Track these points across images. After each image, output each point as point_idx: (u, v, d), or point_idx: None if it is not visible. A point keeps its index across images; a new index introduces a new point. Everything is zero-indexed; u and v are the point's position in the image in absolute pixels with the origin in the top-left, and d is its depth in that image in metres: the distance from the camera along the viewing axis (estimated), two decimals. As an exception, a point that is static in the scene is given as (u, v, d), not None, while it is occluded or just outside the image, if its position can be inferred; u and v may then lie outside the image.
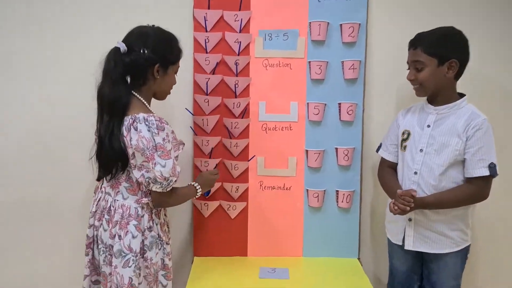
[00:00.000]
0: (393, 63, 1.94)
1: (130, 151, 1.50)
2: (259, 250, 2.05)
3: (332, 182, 2.01)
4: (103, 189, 1.62)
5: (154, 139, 1.47)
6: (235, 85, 1.96)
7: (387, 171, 1.84)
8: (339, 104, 1.96)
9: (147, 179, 1.49)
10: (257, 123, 1.99)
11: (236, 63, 1.96)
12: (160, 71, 1.56)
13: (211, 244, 2.05)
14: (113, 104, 1.49)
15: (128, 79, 1.56)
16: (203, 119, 1.97)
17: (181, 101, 1.99)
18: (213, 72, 1.97)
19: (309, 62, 1.96)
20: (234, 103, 1.96)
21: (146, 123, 1.48)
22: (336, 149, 1.98)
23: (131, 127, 1.49)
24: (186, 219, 2.08)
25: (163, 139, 1.49)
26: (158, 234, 1.59)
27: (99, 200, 1.62)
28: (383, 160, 1.86)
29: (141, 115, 1.49)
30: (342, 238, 2.03)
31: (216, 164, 1.97)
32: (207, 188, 1.83)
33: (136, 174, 1.51)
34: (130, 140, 1.48)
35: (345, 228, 2.03)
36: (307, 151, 1.99)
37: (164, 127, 1.50)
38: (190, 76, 1.98)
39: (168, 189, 1.53)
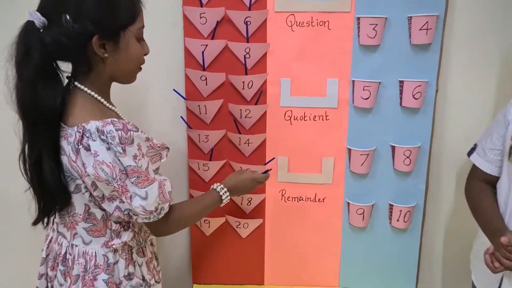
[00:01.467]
0: (488, 17, 1.25)
1: (88, 180, 0.95)
2: (280, 278, 1.52)
3: (385, 193, 1.42)
4: (54, 225, 1.08)
5: (120, 162, 0.92)
6: (245, 55, 1.32)
7: (482, 189, 1.20)
8: (401, 83, 1.31)
9: (126, 212, 0.97)
10: (278, 111, 1.37)
11: (247, 21, 1.30)
12: (108, 45, 0.96)
13: (215, 269, 1.52)
14: (38, 112, 0.91)
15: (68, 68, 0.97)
16: (199, 106, 1.36)
17: (165, 79, 1.38)
18: (213, 35, 1.32)
19: (358, 18, 1.29)
20: (244, 81, 1.33)
21: (103, 137, 0.91)
22: (393, 147, 1.36)
23: (80, 146, 0.92)
24: (181, 238, 1.54)
25: (134, 157, 0.93)
26: (143, 277, 1.09)
27: (50, 241, 1.10)
28: (475, 170, 1.21)
29: (92, 125, 0.92)
30: (394, 268, 1.47)
31: (266, 171, 1.38)
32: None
33: (108, 207, 0.98)
34: (84, 167, 0.93)
35: (399, 255, 1.46)
36: (349, 150, 1.37)
37: (132, 138, 0.93)
38: (179, 41, 1.34)
39: (161, 216, 1.01)
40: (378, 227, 1.44)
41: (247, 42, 1.31)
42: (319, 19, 1.30)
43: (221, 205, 1.21)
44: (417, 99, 1.30)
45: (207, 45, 1.32)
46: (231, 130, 1.39)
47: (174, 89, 1.34)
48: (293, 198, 1.45)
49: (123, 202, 0.95)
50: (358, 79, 1.31)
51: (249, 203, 1.44)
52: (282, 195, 1.45)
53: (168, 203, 1.01)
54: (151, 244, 1.16)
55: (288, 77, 1.35)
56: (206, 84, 1.35)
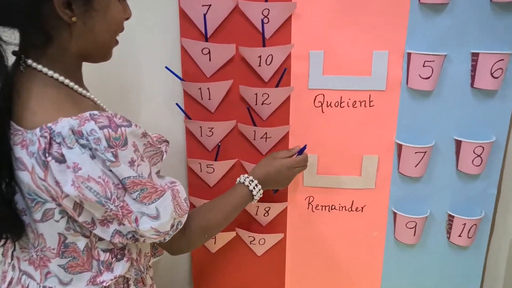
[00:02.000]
0: None
1: (67, 203, 0.66)
2: (304, 303, 1.21)
3: (443, 201, 1.09)
4: (14, 260, 0.79)
5: (113, 174, 0.65)
6: (262, 19, 0.97)
7: None
8: (475, 56, 0.96)
9: (130, 235, 0.71)
10: (305, 94, 1.03)
11: (265, -28, 0.95)
12: (76, 5, 0.65)
13: (224, 294, 1.22)
14: None
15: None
16: (201, 89, 1.02)
17: (154, 53, 1.04)
18: (218, -8, 0.97)
19: (419, -33, 0.94)
20: (261, 56, 0.99)
21: (82, 141, 0.63)
22: (459, 142, 1.02)
23: (49, 157, 0.63)
24: (180, 256, 1.22)
25: (132, 163, 0.66)
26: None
27: (10, 283, 0.78)
28: None
29: (63, 125, 0.63)
30: (451, 293, 1.16)
31: (302, 150, 1.05)
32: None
33: (102, 234, 0.70)
34: (59, 186, 0.64)
35: (457, 279, 1.14)
36: (400, 146, 1.04)
37: (124, 137, 0.65)
38: (173, 2, 0.99)
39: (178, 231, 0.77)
40: (432, 243, 1.12)
41: (266, 1, 0.96)
42: (364, -33, 0.94)
43: (253, 202, 0.94)
44: (496, 78, 0.96)
45: (210, 5, 0.96)
46: (243, 120, 1.05)
47: (166, 67, 1.00)
48: (323, 207, 1.12)
49: (124, 225, 0.68)
50: (416, 52, 0.96)
51: (266, 214, 1.12)
52: (309, 203, 1.12)
53: (186, 214, 0.76)
54: (148, 265, 0.86)
55: (320, 49, 1.00)
56: (210, 60, 1.00)
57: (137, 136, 0.67)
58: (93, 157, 0.62)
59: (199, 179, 1.10)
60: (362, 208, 1.11)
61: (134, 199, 0.66)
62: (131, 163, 0.65)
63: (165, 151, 0.79)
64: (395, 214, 1.09)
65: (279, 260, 1.17)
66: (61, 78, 0.68)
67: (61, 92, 0.68)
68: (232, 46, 0.99)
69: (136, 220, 0.67)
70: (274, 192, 1.09)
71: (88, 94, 0.73)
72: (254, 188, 0.92)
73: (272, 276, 1.19)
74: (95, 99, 0.75)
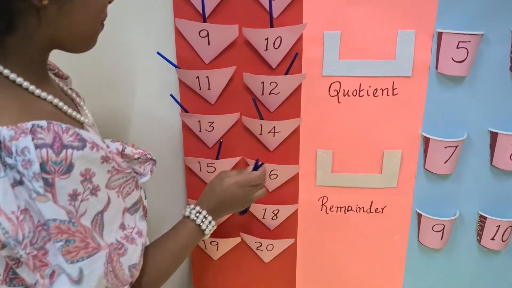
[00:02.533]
0: None
1: None
2: (317, 314, 1.09)
3: (474, 201, 0.96)
4: None
5: (39, 211, 0.49)
6: (269, -5, 0.84)
7: None
8: (517, 35, 0.84)
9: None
10: (319, 82, 0.90)
11: None
12: None
13: (228, 304, 1.10)
14: None
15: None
16: (199, 77, 0.88)
17: (147, 37, 0.90)
18: (217, -37, 0.83)
19: None
20: (268, 38, 0.85)
21: (10, 160, 0.48)
22: (495, 135, 0.90)
23: None
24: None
25: (72, 197, 0.52)
26: None
27: None
28: None
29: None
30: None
31: (257, 166, 0.87)
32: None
33: (27, 276, 0.55)
34: None
35: (487, 286, 1.03)
36: (427, 139, 0.91)
37: (69, 162, 0.51)
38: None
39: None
40: (460, 247, 1.00)
41: (273, -28, 0.82)
42: None
43: (205, 238, 0.79)
44: (540, 60, 0.83)
45: (208, -21, 0.83)
46: (248, 113, 0.91)
47: (158, 53, 0.86)
48: (339, 209, 1.00)
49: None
50: (448, 31, 0.83)
51: (274, 217, 1.00)
52: (323, 205, 1.00)
53: (128, 286, 0.60)
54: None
55: (337, 30, 0.86)
56: (209, 44, 0.87)
57: (94, 162, 0.53)
58: (18, 183, 0.48)
59: (198, 180, 0.98)
60: (383, 209, 0.99)
61: (58, 249, 0.51)
62: (72, 197, 0.51)
63: (150, 172, 0.67)
64: (419, 215, 0.97)
65: (289, 267, 1.05)
66: (13, 76, 0.54)
67: (9, 93, 0.54)
68: (234, 27, 0.85)
69: (51, 276, 0.51)
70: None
71: (49, 97, 0.58)
72: (202, 221, 0.77)
73: (281, 285, 1.07)
74: (60, 103, 0.59)
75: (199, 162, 0.95)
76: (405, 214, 0.99)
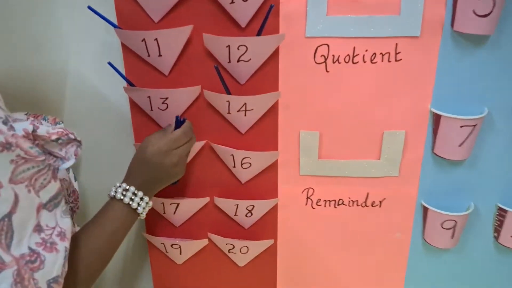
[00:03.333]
0: None
1: None
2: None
3: (492, 191, 0.79)
4: None
5: None
6: None
7: None
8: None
9: None
10: (302, 45, 0.70)
11: None
12: None
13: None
14: None
15: None
16: (145, 40, 0.68)
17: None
18: None
19: None
20: (232, -14, 0.65)
21: None
22: (521, 111, 0.72)
23: None
24: (139, 268, 0.92)
25: None
26: None
27: None
28: None
29: None
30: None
31: (179, 121, 0.70)
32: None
33: None
34: None
35: (506, 289, 0.87)
36: (437, 117, 0.72)
37: None
38: None
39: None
40: (474, 246, 0.83)
41: None
42: None
43: (142, 218, 0.66)
44: None
45: None
46: (212, 87, 0.71)
47: (89, 7, 0.65)
48: (327, 202, 0.82)
49: None
50: (470, -25, 0.63)
51: (249, 214, 0.81)
52: (308, 198, 0.82)
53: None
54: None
55: (324, -25, 0.66)
56: (157, -5, 0.66)
57: None
58: None
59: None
60: (381, 202, 0.81)
61: None
62: None
63: (75, 155, 0.53)
64: (425, 209, 0.80)
65: (269, 273, 0.88)
66: None
67: None
68: (189, -28, 0.65)
69: None
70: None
71: None
72: (132, 199, 0.64)
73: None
74: None
75: (152, 148, 0.75)
76: (408, 208, 0.81)
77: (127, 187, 0.64)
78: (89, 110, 0.77)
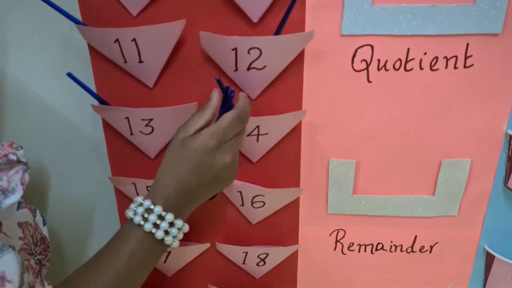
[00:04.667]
0: None
1: None
2: None
3: None
4: None
5: None
6: None
7: None
8: None
9: None
10: (337, 46, 0.50)
11: None
12: None
13: None
14: None
15: None
16: (119, 41, 0.48)
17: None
18: None
19: None
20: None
21: None
22: None
23: None
24: None
25: None
26: None
27: None
28: None
29: None
30: None
31: (227, 91, 0.47)
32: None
33: None
34: None
35: None
36: (514, 142, 0.54)
37: None
38: None
39: None
40: None
41: None
42: None
43: (173, 246, 0.47)
44: None
45: None
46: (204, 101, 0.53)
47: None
48: (362, 247, 0.64)
49: None
50: None
51: (261, 262, 0.63)
52: (337, 241, 0.63)
53: None
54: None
55: None
56: (134, -22, 0.47)
57: None
58: None
59: (126, 199, 0.60)
60: (432, 247, 0.63)
61: None
62: None
63: (21, 184, 0.40)
64: (490, 257, 0.61)
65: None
66: None
67: None
68: None
69: None
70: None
71: None
72: (156, 226, 0.44)
73: None
74: None
75: (134, 183, 0.57)
76: (466, 254, 0.63)
77: (151, 206, 0.45)
78: (54, 135, 0.58)
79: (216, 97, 0.46)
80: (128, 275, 0.43)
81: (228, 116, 0.45)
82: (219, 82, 0.46)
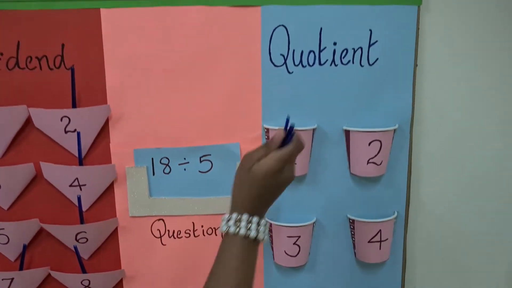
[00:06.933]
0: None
1: None
2: None
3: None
4: None
5: None
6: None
7: None
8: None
9: None
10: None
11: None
12: None
13: None
14: None
15: None
16: None
17: None
18: None
19: None
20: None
21: None
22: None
23: None
24: None
25: None
26: None
27: None
28: None
29: None
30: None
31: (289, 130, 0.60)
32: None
33: None
34: None
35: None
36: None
37: None
38: None
39: None
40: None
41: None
42: None
43: (265, 242, 0.64)
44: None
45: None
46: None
47: None
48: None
49: None
50: None
51: None
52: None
53: None
54: None
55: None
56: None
57: None
58: None
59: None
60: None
61: None
62: None
63: None
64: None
65: None
66: None
67: None
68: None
69: None
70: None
71: None
72: (248, 228, 0.58)
73: None
74: None
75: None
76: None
77: (239, 217, 0.57)
78: None
79: (279, 135, 0.61)
80: (243, 278, 0.56)
81: (289, 148, 0.59)
82: (287, 121, 0.60)
